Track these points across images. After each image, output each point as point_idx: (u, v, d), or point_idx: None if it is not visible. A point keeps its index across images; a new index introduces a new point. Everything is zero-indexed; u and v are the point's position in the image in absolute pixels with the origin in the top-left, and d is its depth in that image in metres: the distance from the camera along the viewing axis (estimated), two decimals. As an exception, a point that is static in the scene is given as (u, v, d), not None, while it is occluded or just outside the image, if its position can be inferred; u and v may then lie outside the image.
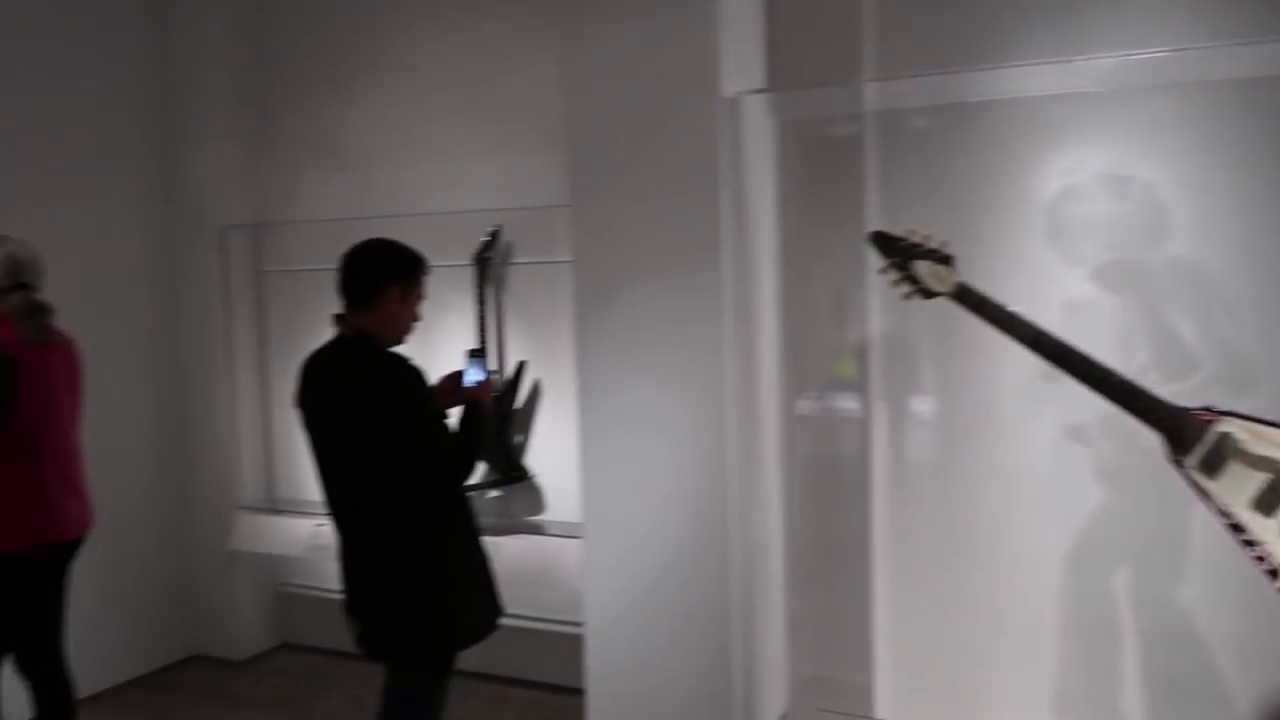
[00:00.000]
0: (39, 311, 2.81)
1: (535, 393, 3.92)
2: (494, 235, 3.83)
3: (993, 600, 3.06)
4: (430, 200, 4.05)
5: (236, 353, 4.43)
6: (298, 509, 4.37)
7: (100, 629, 3.94)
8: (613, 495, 2.85)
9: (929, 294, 2.37)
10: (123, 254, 4.26)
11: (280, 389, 4.53)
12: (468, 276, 3.83)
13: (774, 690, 3.00)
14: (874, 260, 2.47)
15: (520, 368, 3.86)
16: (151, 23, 4.37)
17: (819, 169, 3.15)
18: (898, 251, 2.40)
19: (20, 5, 3.85)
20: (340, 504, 2.47)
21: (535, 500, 3.94)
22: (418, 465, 2.35)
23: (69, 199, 3.99)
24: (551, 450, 3.89)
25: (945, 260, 2.37)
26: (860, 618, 3.15)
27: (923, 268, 2.37)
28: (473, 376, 2.69)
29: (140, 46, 4.33)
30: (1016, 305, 2.30)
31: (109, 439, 3.87)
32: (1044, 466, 3.00)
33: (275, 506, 4.46)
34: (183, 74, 4.39)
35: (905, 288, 2.40)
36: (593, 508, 2.89)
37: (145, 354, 4.36)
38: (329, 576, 4.49)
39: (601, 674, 2.91)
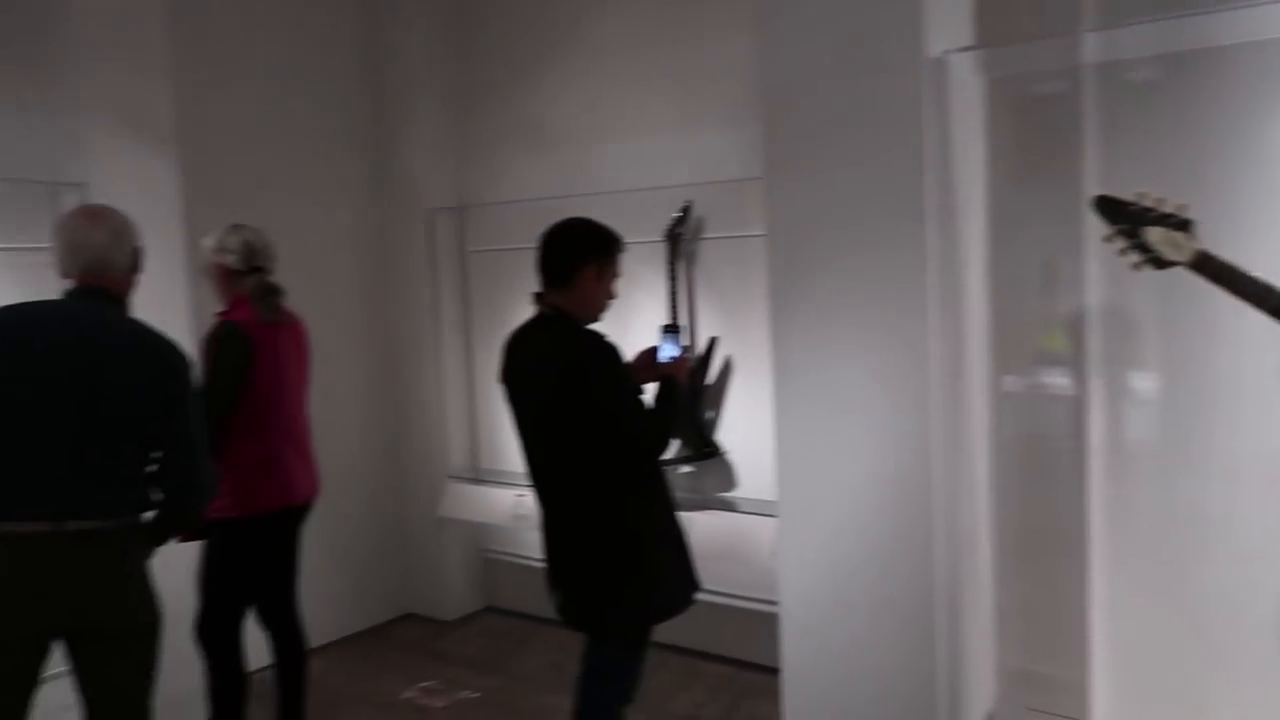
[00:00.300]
0: (272, 293, 3.03)
1: (727, 368, 3.90)
2: (685, 211, 3.83)
3: (1222, 597, 2.78)
4: (624, 177, 4.08)
5: (443, 329, 4.66)
6: (501, 479, 4.56)
7: (326, 587, 4.26)
8: (809, 474, 2.79)
9: (1162, 263, 2.15)
10: (341, 238, 4.57)
11: (483, 364, 4.73)
12: (659, 253, 3.85)
13: (980, 684, 2.86)
14: (1098, 227, 2.27)
15: (712, 343, 3.86)
16: (366, 22, 4.64)
17: (1032, 130, 2.92)
18: (1126, 217, 2.18)
19: (253, 12, 4.18)
20: (541, 477, 2.56)
21: (727, 476, 3.94)
22: (613, 440, 2.40)
23: (295, 188, 4.31)
24: (743, 426, 3.86)
25: (1183, 225, 2.13)
26: (1074, 610, 2.95)
27: (1155, 234, 2.15)
28: (667, 352, 2.70)
29: (356, 45, 4.62)
30: (1261, 270, 2.06)
31: (330, 411, 4.16)
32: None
33: (480, 476, 4.67)
34: (394, 68, 4.63)
35: (1135, 257, 2.19)
36: (788, 487, 2.84)
37: (361, 331, 4.67)
38: (530, 544, 4.69)
39: (797, 656, 2.86)
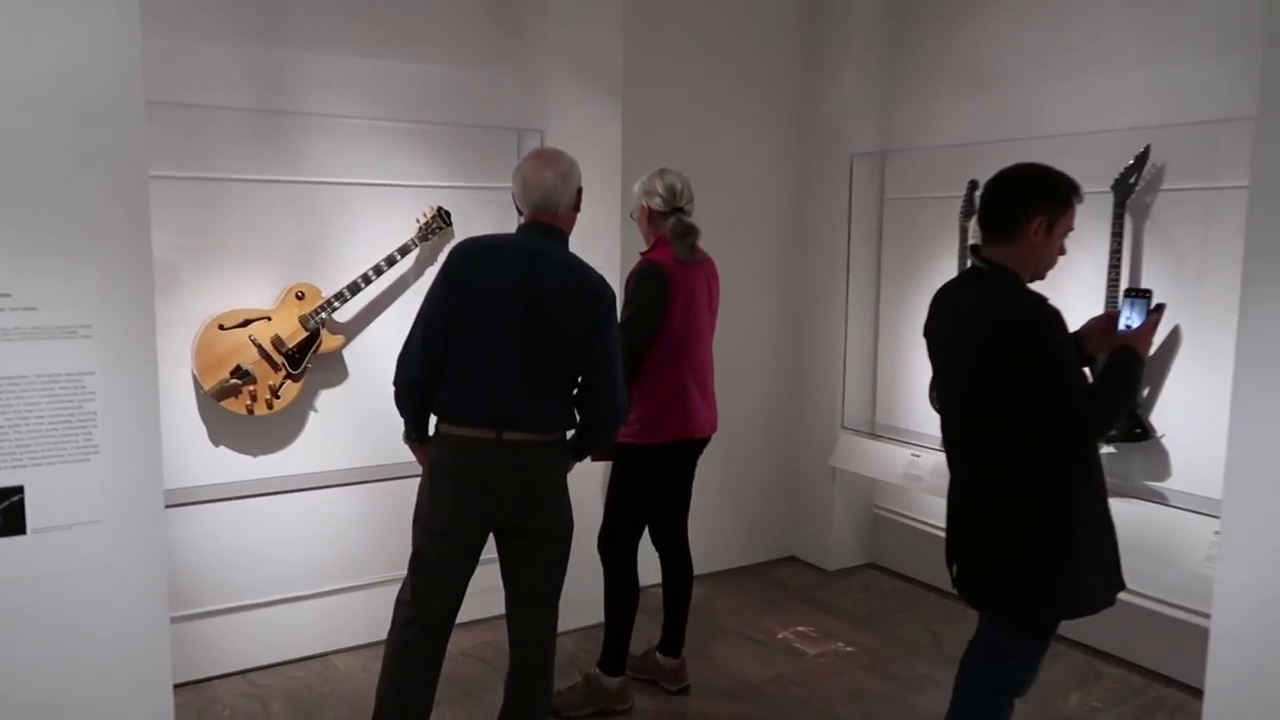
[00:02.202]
0: (689, 233, 3.15)
1: (1172, 340, 3.40)
2: (1141, 157, 3.36)
3: None
4: (1066, 119, 3.68)
5: (853, 279, 4.57)
6: (897, 436, 4.42)
7: (715, 520, 4.44)
8: (1269, 479, 2.35)
9: None
10: (762, 181, 4.63)
11: (889, 317, 4.59)
12: (1104, 206, 3.43)
13: None
14: None
15: (1157, 310, 3.38)
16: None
17: None
18: None
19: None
20: (957, 442, 2.38)
21: (1158, 463, 3.46)
22: (1046, 415, 2.16)
23: (723, 132, 4.43)
24: (1185, 408, 3.36)
25: None
26: None
27: None
28: (1129, 320, 2.40)
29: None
30: None
31: (736, 351, 4.28)
32: None
33: (876, 431, 4.56)
34: (826, 10, 4.56)
35: None
36: (1239, 486, 2.42)
37: (773, 274, 4.72)
38: (920, 506, 4.53)
39: (1227, 681, 2.45)
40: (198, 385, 3.30)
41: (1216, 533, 2.75)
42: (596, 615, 3.42)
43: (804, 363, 4.80)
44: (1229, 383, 2.48)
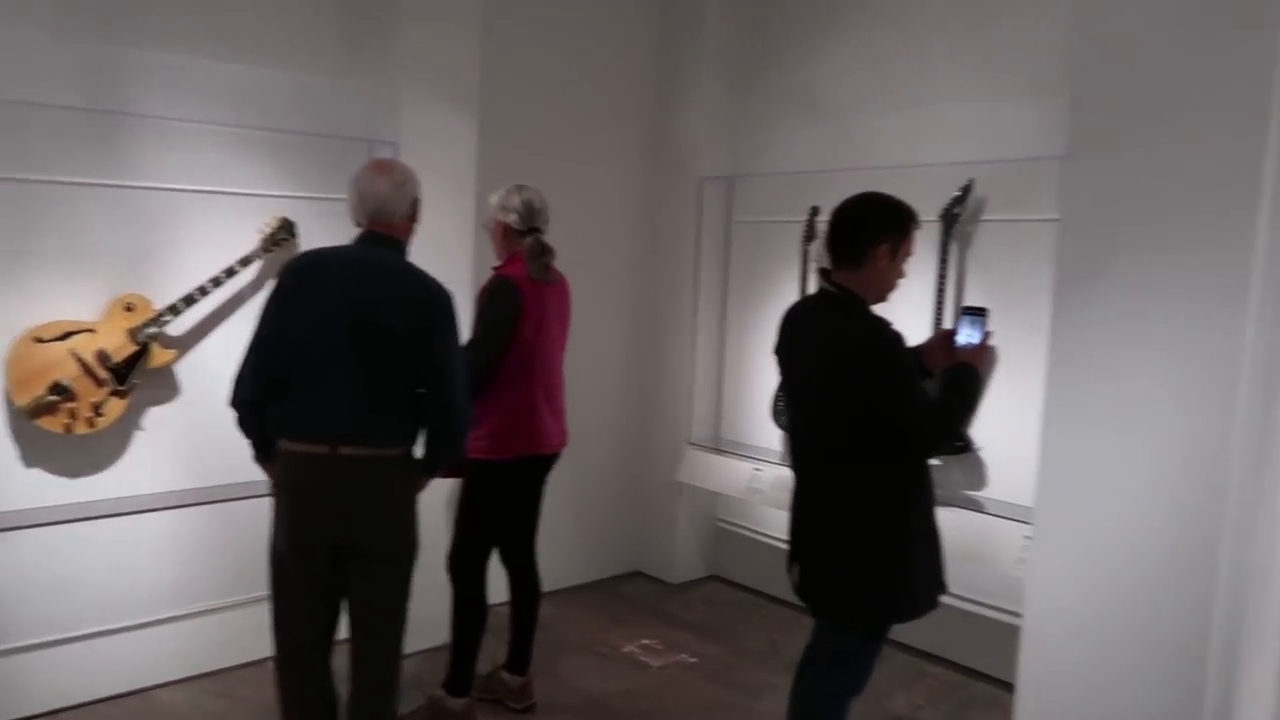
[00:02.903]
0: (544, 252, 3.17)
1: (990, 359, 3.67)
2: (965, 189, 3.63)
3: None
4: (901, 151, 3.92)
5: (701, 298, 4.70)
6: (740, 452, 4.57)
7: (563, 537, 4.44)
8: (1075, 483, 2.56)
9: None
10: (613, 201, 4.71)
11: (735, 335, 4.74)
12: (932, 233, 3.67)
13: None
14: None
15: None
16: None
17: None
18: None
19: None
20: (803, 453, 2.49)
21: (977, 474, 3.72)
22: (888, 431, 2.28)
23: (576, 152, 4.47)
24: (1000, 423, 3.63)
25: None
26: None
27: None
28: (968, 336, 2.53)
29: (652, 16, 4.72)
30: None
31: (585, 367, 4.31)
32: None
33: (720, 446, 4.70)
34: (678, 37, 4.68)
35: None
36: (1049, 494, 2.63)
37: (623, 293, 4.80)
38: (761, 519, 4.68)
39: (1037, 676, 2.65)
40: (9, 402, 3.07)
41: (1027, 537, 2.97)
42: (439, 636, 3.37)
43: (652, 380, 4.89)
44: (1040, 399, 2.69)
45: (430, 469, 2.63)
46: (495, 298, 3.09)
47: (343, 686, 2.63)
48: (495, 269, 3.20)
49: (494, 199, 3.22)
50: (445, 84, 3.71)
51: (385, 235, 2.55)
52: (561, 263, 3.28)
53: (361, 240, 2.56)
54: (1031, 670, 2.67)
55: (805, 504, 2.47)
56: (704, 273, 4.69)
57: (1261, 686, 2.51)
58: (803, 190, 4.22)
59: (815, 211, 4.10)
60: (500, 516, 3.28)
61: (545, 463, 3.30)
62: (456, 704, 3.25)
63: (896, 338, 2.30)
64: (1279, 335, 2.27)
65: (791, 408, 2.53)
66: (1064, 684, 2.57)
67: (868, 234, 2.34)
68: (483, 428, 3.07)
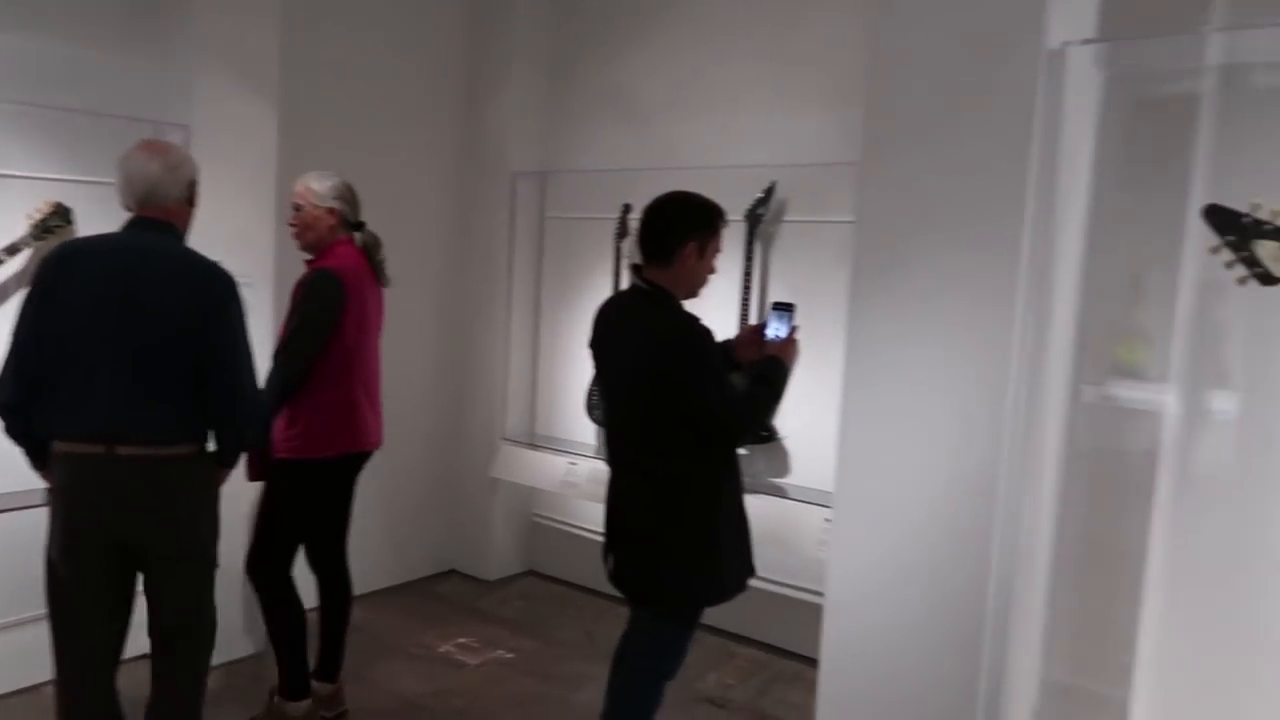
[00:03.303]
0: (380, 248, 3.10)
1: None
2: (768, 191, 3.80)
3: (1277, 631, 2.70)
4: (708, 153, 4.05)
5: (514, 293, 4.69)
6: (555, 446, 4.59)
7: (376, 537, 4.33)
8: (870, 469, 2.74)
9: (1270, 279, 2.07)
10: (424, 195, 4.62)
11: (549, 330, 4.75)
12: (738, 232, 3.82)
13: (1022, 696, 2.80)
14: (1201, 238, 2.19)
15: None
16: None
17: (1146, 131, 2.82)
18: (1237, 229, 2.10)
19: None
20: (618, 446, 2.54)
21: (780, 462, 3.91)
22: (699, 424, 2.36)
23: (384, 144, 4.35)
24: (802, 413, 3.83)
25: None
26: (1125, 630, 2.88)
27: (1267, 249, 2.07)
28: (775, 331, 2.63)
29: (462, 7, 4.65)
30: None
31: (399, 364, 4.21)
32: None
33: (535, 442, 4.71)
34: (490, 33, 4.64)
35: (1241, 270, 2.11)
36: (846, 479, 2.80)
37: (436, 288, 4.72)
38: (576, 512, 4.72)
39: (837, 648, 2.82)
40: None
41: (828, 520, 3.15)
42: (242, 648, 3.21)
43: (466, 376, 4.83)
44: (839, 390, 2.86)
45: (224, 461, 2.48)
46: (316, 292, 2.94)
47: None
48: (309, 262, 3.05)
49: (317, 185, 3.02)
50: (241, 67, 3.52)
51: (157, 220, 2.39)
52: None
53: (131, 226, 2.39)
54: (833, 645, 2.83)
55: (620, 495, 2.53)
56: (517, 268, 4.68)
57: (1029, 646, 2.78)
58: (616, 188, 4.29)
59: (628, 209, 4.18)
60: (311, 517, 3.16)
61: (363, 460, 3.21)
62: (298, 708, 3.13)
63: (705, 333, 2.39)
64: (1042, 327, 2.52)
65: (606, 401, 2.58)
66: (861, 656, 2.74)
67: (677, 232, 2.41)
68: (296, 426, 2.95)
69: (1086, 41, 2.49)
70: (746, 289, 3.82)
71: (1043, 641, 2.85)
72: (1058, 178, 2.50)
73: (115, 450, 2.26)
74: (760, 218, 3.81)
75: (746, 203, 3.81)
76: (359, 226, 3.09)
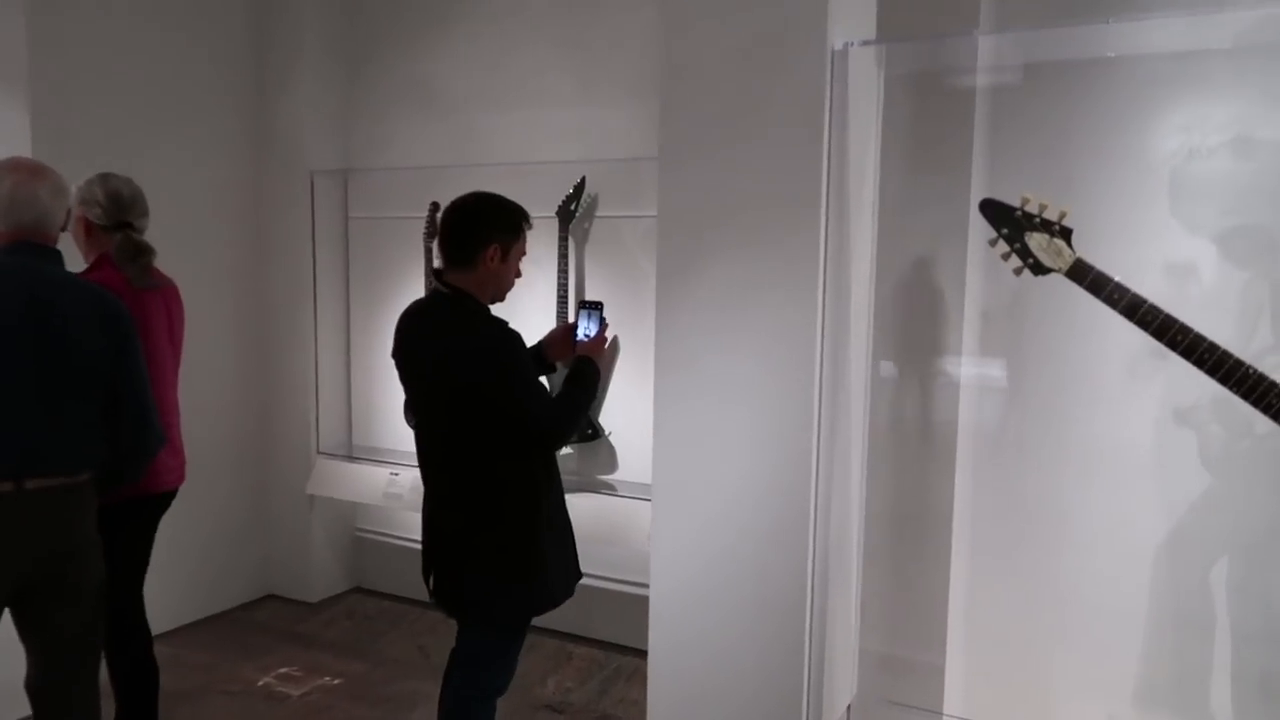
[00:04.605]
0: (142, 253, 2.73)
1: (613, 349, 3.85)
2: (578, 187, 3.76)
3: (1078, 585, 2.92)
4: (516, 149, 3.98)
5: (320, 298, 4.46)
6: (374, 457, 4.41)
7: (180, 566, 4.02)
8: (685, 459, 2.76)
9: (1042, 269, 2.20)
10: (213, 195, 4.29)
11: (360, 336, 4.56)
12: (550, 228, 3.77)
13: (845, 674, 2.90)
14: (982, 225, 2.32)
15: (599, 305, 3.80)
16: (247, -36, 4.39)
17: (925, 128, 2.98)
18: (1010, 223, 2.22)
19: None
20: (429, 458, 2.43)
21: (608, 459, 3.90)
22: (510, 431, 2.29)
23: (168, 140, 4.03)
24: (627, 410, 3.83)
25: (1064, 234, 2.18)
26: (936, 596, 3.03)
27: (1037, 240, 2.20)
28: (585, 330, 2.60)
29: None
30: (1127, 273, 2.14)
31: (196, 382, 3.90)
32: (1145, 448, 2.84)
33: (353, 454, 4.50)
34: (278, 20, 4.38)
35: (1016, 261, 2.22)
36: (664, 471, 2.81)
37: (233, 297, 4.41)
38: (402, 524, 4.56)
39: (664, 640, 2.84)
40: None
41: (655, 515, 3.16)
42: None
43: (274, 388, 4.56)
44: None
45: (115, 484, 2.45)
46: None
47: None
48: (79, 275, 2.75)
49: (74, 191, 2.72)
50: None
51: (44, 246, 2.35)
52: (161, 263, 2.90)
53: (16, 251, 2.29)
54: (660, 636, 2.85)
55: (436, 509, 2.43)
56: (322, 271, 4.45)
57: (847, 624, 2.88)
58: (423, 186, 4.14)
59: (436, 207, 4.04)
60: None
61: (158, 503, 2.88)
62: None
63: (512, 337, 2.32)
64: (842, 312, 2.61)
65: (416, 413, 2.47)
66: (689, 649, 2.76)
67: (479, 235, 2.33)
68: None
69: (865, 43, 2.59)
70: (563, 286, 3.78)
71: (859, 617, 2.97)
72: (848, 172, 2.59)
73: (24, 485, 2.19)
74: (573, 214, 3.76)
75: (557, 198, 3.76)
76: (121, 228, 2.75)
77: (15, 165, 2.37)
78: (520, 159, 3.86)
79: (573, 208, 3.75)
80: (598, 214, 3.85)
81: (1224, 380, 2.06)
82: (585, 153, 3.78)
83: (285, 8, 4.37)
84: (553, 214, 3.75)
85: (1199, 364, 2.06)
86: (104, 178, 2.78)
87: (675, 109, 2.69)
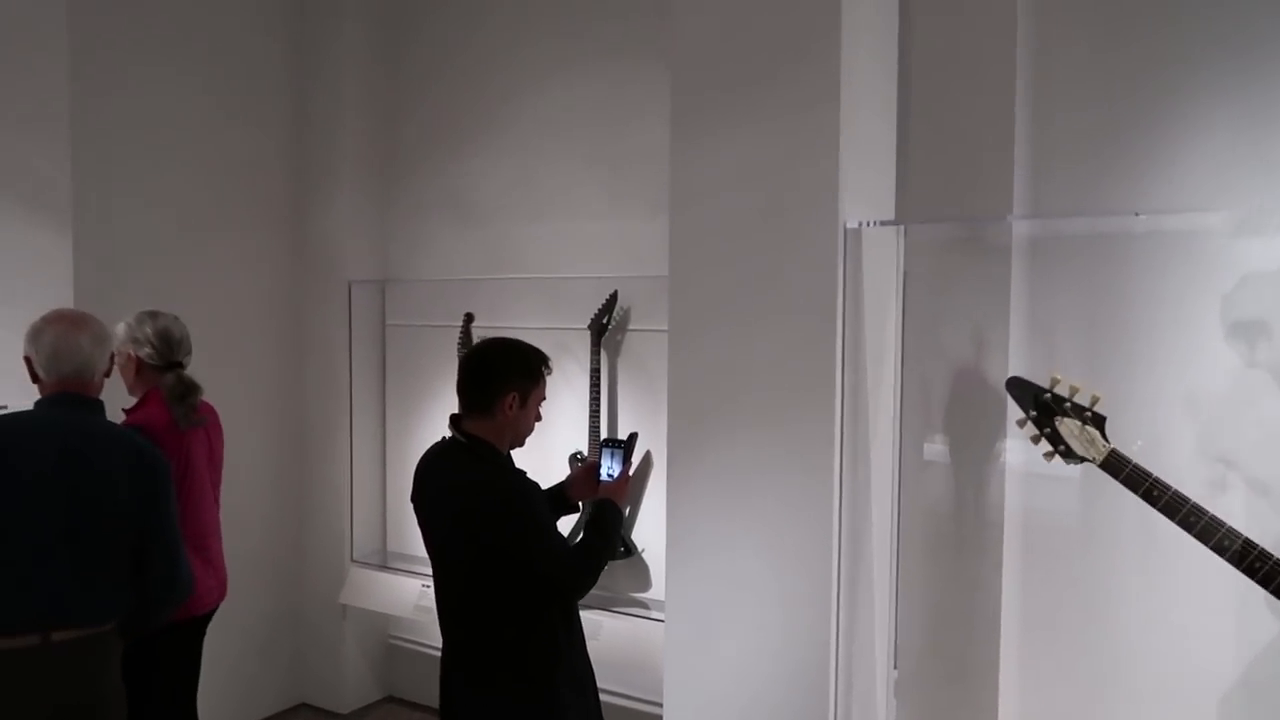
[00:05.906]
0: (190, 392, 2.80)
1: (646, 464, 3.78)
2: (611, 300, 3.74)
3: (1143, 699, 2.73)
4: (550, 261, 3.99)
5: (356, 406, 4.47)
6: (409, 566, 4.35)
7: (213, 675, 3.93)
8: (697, 579, 2.71)
9: (1074, 457, 2.05)
10: (253, 308, 4.36)
11: (396, 444, 4.54)
12: (583, 341, 3.74)
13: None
14: (1012, 409, 2.19)
15: (632, 439, 3.73)
16: (292, 85, 4.48)
17: (947, 304, 2.86)
18: (1040, 405, 2.08)
19: (165, 67, 3.97)
20: (447, 609, 2.38)
21: (642, 577, 3.80)
22: (526, 584, 2.23)
23: (209, 251, 4.11)
24: (660, 526, 3.73)
25: (1098, 421, 2.04)
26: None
27: (1070, 427, 2.06)
28: (609, 469, 2.56)
29: (281, 106, 4.46)
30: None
31: (234, 493, 3.91)
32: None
33: (387, 563, 4.45)
34: (318, 133, 4.47)
35: (1046, 446, 2.09)
36: (677, 588, 2.77)
37: (271, 407, 4.44)
38: (435, 634, 4.44)
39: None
40: None
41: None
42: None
43: (310, 497, 4.55)
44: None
45: (136, 629, 2.42)
46: None
47: None
48: (128, 412, 2.80)
49: (120, 328, 2.82)
50: (30, 186, 3.22)
51: (85, 397, 2.38)
52: (196, 371, 2.92)
53: (56, 403, 2.32)
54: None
55: (454, 663, 2.36)
56: (359, 379, 4.46)
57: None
58: (458, 297, 4.16)
59: (470, 318, 4.05)
60: (153, 691, 2.80)
61: (200, 624, 2.93)
62: None
63: (531, 490, 2.27)
64: (863, 494, 2.53)
65: (433, 563, 2.41)
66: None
67: (496, 383, 2.29)
68: None
69: (885, 223, 2.57)
70: (595, 400, 3.73)
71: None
72: (865, 350, 2.52)
73: (50, 638, 2.18)
74: (605, 327, 3.74)
75: (589, 311, 3.74)
76: (172, 367, 2.83)
77: (58, 317, 2.41)
78: (552, 271, 3.86)
79: (605, 321, 3.73)
80: (630, 327, 3.81)
81: (1276, 593, 1.91)
82: (618, 264, 3.77)
83: (324, 122, 4.46)
84: (585, 327, 3.72)
85: (1249, 573, 1.90)
86: (152, 316, 2.85)
87: (681, 281, 2.71)
